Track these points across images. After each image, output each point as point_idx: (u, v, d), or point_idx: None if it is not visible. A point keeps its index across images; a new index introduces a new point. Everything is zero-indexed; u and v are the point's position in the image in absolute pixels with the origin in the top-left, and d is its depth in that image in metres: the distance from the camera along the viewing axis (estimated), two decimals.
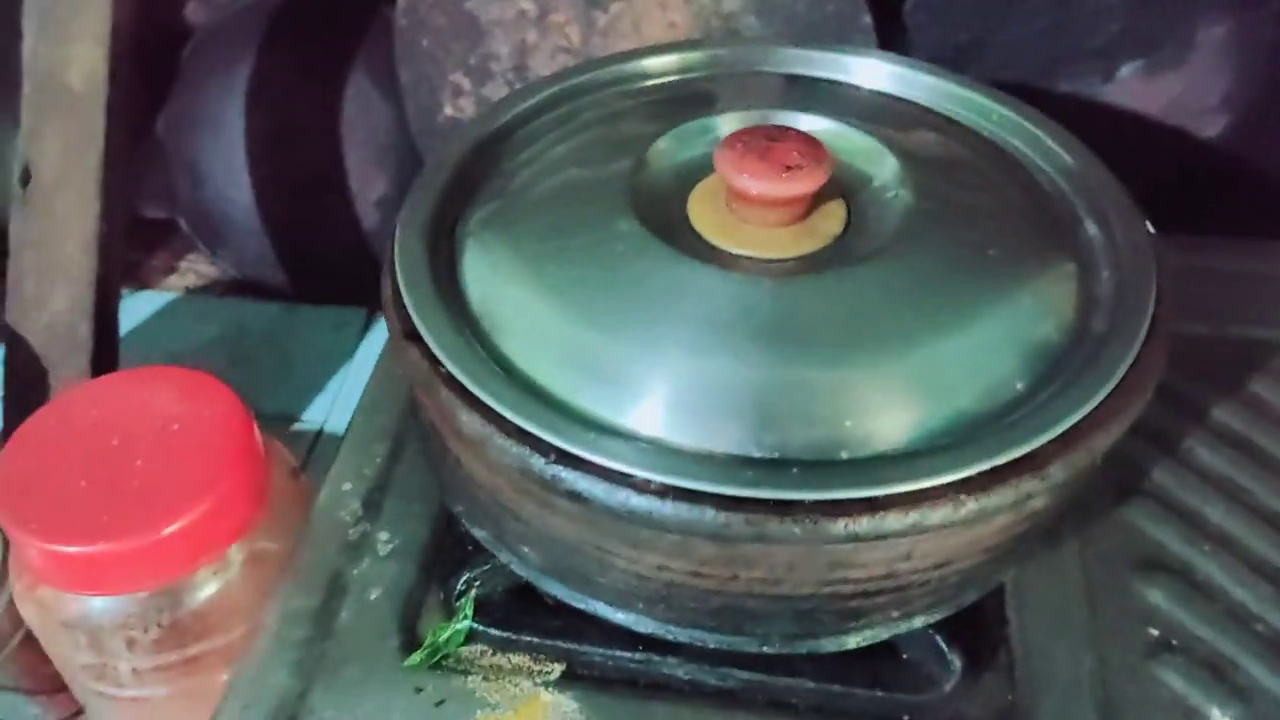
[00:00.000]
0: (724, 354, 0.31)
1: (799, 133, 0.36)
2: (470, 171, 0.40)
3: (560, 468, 0.30)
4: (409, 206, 0.38)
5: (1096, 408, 0.31)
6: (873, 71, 0.43)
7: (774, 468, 0.30)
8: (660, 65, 0.44)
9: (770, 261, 0.35)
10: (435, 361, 0.32)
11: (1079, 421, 0.31)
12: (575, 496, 0.30)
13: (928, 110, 0.42)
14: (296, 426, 0.67)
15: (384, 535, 0.42)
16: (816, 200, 0.36)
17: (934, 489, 0.29)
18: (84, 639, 0.43)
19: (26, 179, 0.55)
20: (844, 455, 0.30)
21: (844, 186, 0.37)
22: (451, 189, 0.39)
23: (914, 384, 0.31)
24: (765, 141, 0.35)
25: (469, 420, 0.31)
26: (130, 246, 0.76)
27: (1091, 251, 0.36)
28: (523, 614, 0.39)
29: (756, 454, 0.30)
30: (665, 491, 0.29)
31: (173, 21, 0.76)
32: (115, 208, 0.55)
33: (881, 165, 0.38)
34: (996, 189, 0.37)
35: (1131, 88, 0.60)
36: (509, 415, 0.31)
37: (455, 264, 0.37)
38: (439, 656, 0.38)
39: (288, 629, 0.39)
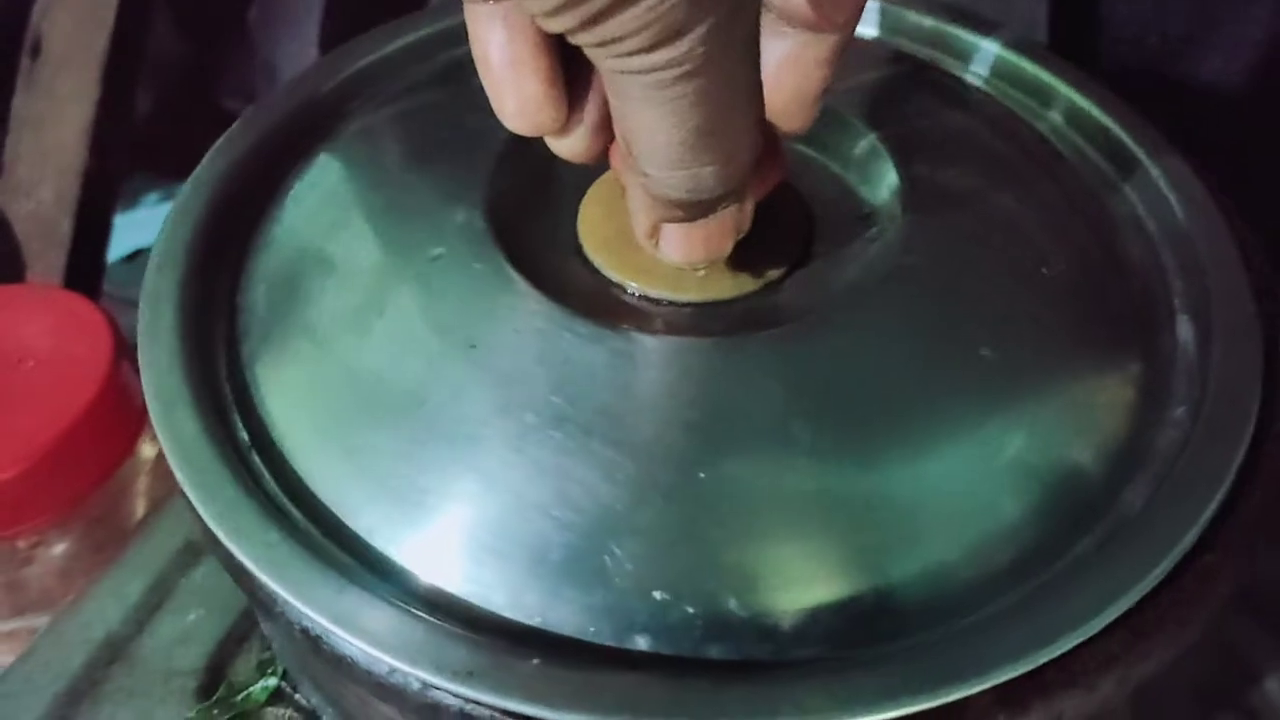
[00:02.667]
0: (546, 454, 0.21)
1: None
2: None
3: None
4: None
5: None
6: (915, 25, 0.30)
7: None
8: None
9: (657, 304, 0.24)
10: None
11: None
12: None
13: (986, 96, 0.28)
14: None
15: None
16: (761, 219, 0.24)
17: None
18: None
19: (36, 52, 0.50)
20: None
21: (812, 199, 0.26)
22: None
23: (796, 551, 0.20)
24: None
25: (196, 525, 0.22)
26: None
27: (1169, 368, 0.23)
28: None
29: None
30: None
31: None
32: (119, 98, 0.49)
33: (875, 179, 0.25)
34: (1040, 246, 0.24)
35: None
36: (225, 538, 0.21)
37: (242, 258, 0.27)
38: (233, 714, 0.31)
39: (84, 631, 0.32)
